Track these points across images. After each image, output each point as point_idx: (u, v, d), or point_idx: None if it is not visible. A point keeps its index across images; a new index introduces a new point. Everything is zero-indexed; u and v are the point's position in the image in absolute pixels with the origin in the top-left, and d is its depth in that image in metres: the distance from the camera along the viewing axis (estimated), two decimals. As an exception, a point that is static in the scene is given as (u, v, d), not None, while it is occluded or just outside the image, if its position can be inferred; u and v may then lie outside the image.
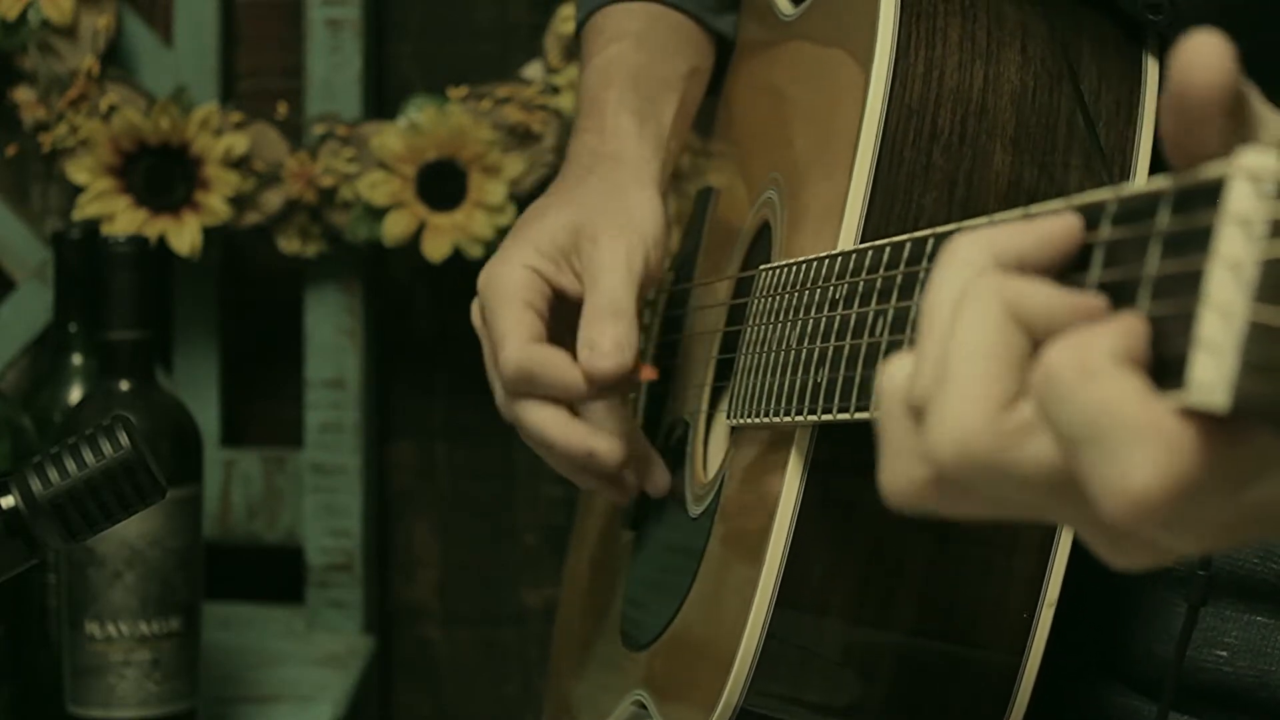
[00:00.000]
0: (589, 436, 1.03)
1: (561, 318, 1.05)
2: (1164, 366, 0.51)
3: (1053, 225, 0.58)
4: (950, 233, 0.68)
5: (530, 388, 1.02)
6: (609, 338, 1.01)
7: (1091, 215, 0.58)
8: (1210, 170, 0.52)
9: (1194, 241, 0.51)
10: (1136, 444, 0.51)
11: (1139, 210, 0.55)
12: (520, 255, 1.05)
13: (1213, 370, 0.49)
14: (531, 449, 1.07)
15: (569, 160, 1.14)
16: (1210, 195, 0.51)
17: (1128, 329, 0.53)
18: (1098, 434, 0.52)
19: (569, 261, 1.05)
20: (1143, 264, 0.53)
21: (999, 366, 0.56)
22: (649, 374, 1.06)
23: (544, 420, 1.03)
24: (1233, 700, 0.90)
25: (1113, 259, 0.56)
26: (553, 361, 1.02)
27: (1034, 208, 0.61)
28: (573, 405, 1.04)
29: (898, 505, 0.60)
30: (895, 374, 0.60)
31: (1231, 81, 0.53)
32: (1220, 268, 0.50)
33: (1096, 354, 0.52)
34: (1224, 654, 0.90)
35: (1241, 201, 0.50)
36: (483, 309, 1.06)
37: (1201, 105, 0.53)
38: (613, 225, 1.05)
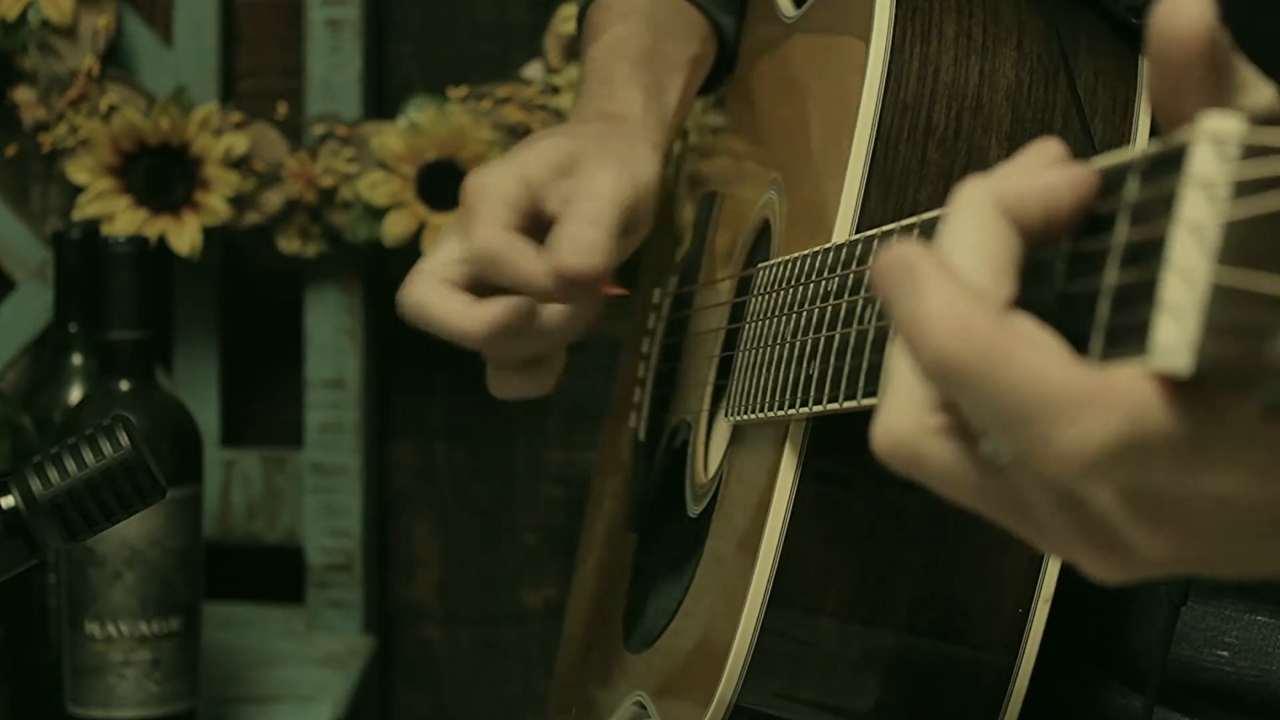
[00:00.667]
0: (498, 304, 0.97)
1: (538, 240, 1.00)
2: (1130, 332, 0.51)
3: (1067, 176, 0.56)
4: (935, 219, 0.68)
5: (490, 272, 0.97)
6: (584, 239, 0.96)
7: None
8: (1176, 136, 0.51)
9: (1159, 207, 0.51)
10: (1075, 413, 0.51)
11: (1110, 180, 0.55)
12: (510, 166, 1.00)
13: (1175, 334, 0.49)
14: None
15: (570, 117, 1.11)
16: (1175, 160, 0.51)
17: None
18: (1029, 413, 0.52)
19: (557, 182, 1.00)
20: (1112, 233, 0.53)
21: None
22: (616, 290, 1.00)
23: (444, 303, 0.98)
24: (1234, 700, 0.90)
25: (1085, 229, 0.55)
26: (522, 250, 0.96)
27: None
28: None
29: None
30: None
31: (1210, 32, 0.52)
32: (1183, 231, 0.49)
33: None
34: (1225, 654, 0.89)
35: (1204, 165, 0.50)
36: (463, 209, 1.01)
37: (1183, 57, 0.53)
38: (608, 158, 1.02)
